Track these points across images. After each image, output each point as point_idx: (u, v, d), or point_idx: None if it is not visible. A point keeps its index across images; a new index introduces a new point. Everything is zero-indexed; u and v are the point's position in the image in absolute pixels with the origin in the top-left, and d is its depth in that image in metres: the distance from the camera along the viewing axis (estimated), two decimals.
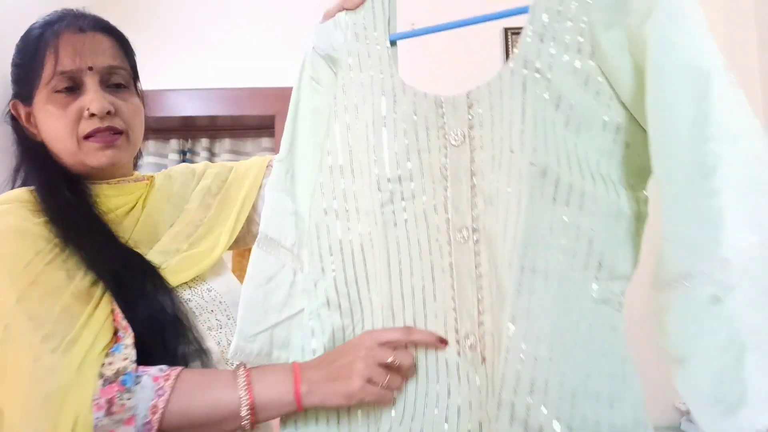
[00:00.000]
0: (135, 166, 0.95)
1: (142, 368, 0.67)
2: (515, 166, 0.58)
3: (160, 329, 0.72)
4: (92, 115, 0.78)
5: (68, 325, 0.66)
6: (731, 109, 0.54)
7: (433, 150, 0.68)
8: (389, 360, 0.66)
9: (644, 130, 0.59)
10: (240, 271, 1.09)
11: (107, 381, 0.64)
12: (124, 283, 0.72)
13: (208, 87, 2.33)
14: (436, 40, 2.42)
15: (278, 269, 0.75)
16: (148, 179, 0.92)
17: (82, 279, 0.71)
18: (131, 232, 0.82)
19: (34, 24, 0.83)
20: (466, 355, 0.65)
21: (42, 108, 0.80)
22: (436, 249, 0.67)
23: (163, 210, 0.88)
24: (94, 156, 0.80)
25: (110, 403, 0.62)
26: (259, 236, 0.77)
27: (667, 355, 0.58)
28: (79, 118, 0.79)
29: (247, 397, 0.66)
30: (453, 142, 0.66)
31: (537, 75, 0.59)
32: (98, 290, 0.71)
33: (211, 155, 2.94)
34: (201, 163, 1.03)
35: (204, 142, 2.90)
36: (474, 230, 0.64)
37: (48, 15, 0.83)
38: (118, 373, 0.65)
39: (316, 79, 0.82)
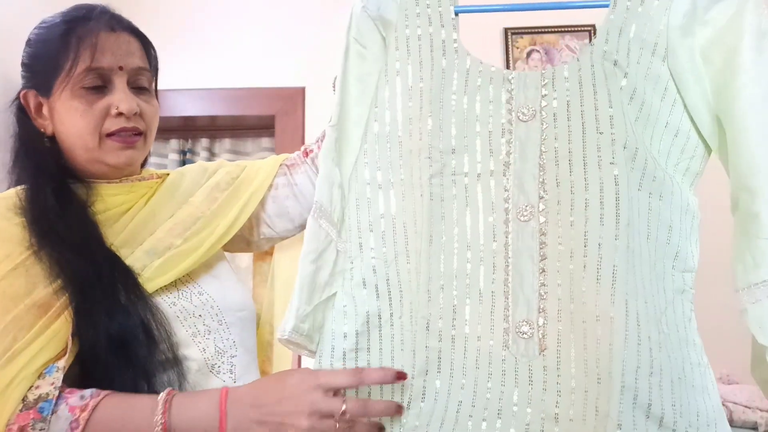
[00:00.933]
0: (144, 164, 0.95)
1: (68, 391, 0.64)
2: (605, 148, 0.58)
3: (126, 341, 0.69)
4: (119, 114, 0.79)
5: (12, 339, 0.64)
6: None
7: (495, 123, 0.64)
8: (339, 412, 0.60)
9: (701, 138, 0.68)
10: (259, 276, 1.05)
11: (26, 406, 0.62)
12: (91, 293, 0.70)
13: (208, 87, 2.33)
14: None
15: (327, 244, 0.70)
16: (159, 177, 0.91)
17: (44, 288, 0.69)
18: (123, 230, 0.80)
19: (53, 17, 0.83)
20: (517, 346, 0.59)
21: (66, 102, 0.79)
22: (489, 228, 0.62)
23: (166, 204, 0.86)
24: (114, 155, 0.81)
25: (22, 430, 0.61)
26: (313, 206, 0.72)
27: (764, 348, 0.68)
28: (105, 115, 0.79)
29: (162, 428, 0.62)
30: (521, 117, 0.63)
31: (616, 68, 0.62)
32: (60, 302, 0.69)
33: (211, 155, 2.93)
34: (216, 162, 1.02)
35: (204, 142, 2.90)
36: (541, 210, 0.61)
37: (71, 9, 0.82)
38: (38, 400, 0.62)
39: (361, 43, 0.76)
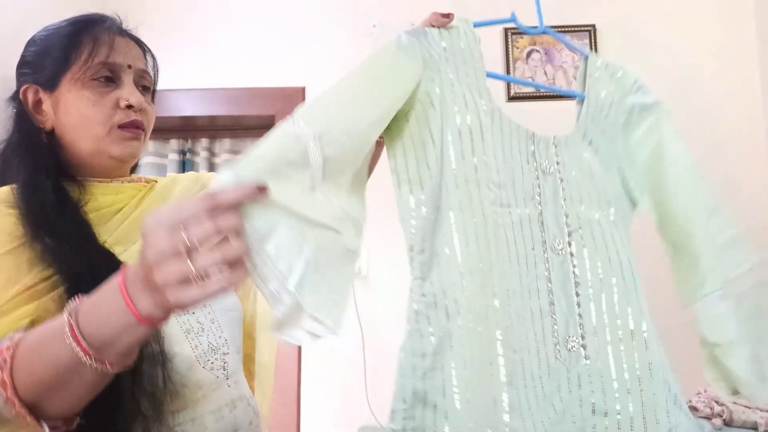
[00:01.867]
0: (133, 170, 0.97)
1: (15, 334, 0.63)
2: (602, 197, 0.79)
3: None
4: (129, 106, 0.84)
5: None
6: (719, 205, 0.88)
7: (525, 171, 0.77)
8: (181, 248, 0.50)
9: (632, 203, 0.89)
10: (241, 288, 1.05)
11: None
12: (84, 284, 0.68)
13: (208, 87, 2.33)
14: None
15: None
16: (148, 182, 0.93)
17: (30, 272, 0.71)
18: (115, 230, 0.82)
19: (59, 22, 0.89)
20: (565, 357, 0.71)
21: (76, 92, 0.82)
22: (532, 258, 0.73)
23: (156, 209, 0.87)
24: (120, 145, 0.84)
25: None
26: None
27: (714, 345, 0.88)
28: (114, 107, 0.84)
29: (70, 333, 0.55)
30: (544, 170, 0.78)
31: (591, 146, 0.83)
32: (46, 284, 0.71)
33: (211, 155, 2.93)
34: (210, 173, 1.06)
35: (204, 142, 2.90)
36: (569, 244, 0.75)
37: (81, 15, 0.90)
38: None
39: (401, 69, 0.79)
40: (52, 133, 0.84)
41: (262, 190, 0.54)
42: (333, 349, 2.17)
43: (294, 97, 2.33)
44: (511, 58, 2.31)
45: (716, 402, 1.95)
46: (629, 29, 2.34)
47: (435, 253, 0.70)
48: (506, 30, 2.31)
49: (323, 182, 0.64)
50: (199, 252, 0.49)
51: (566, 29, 2.33)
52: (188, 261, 0.49)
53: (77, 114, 0.82)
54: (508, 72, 2.31)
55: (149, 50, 0.94)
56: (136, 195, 0.88)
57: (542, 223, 0.75)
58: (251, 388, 0.96)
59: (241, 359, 0.90)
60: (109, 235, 0.80)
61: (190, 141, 2.87)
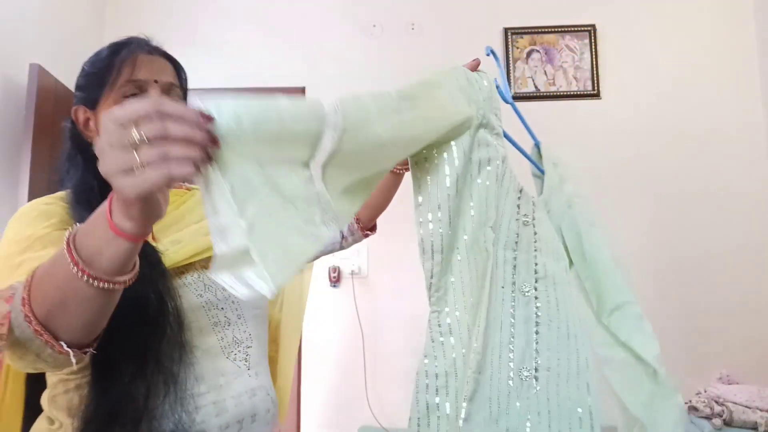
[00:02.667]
0: None
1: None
2: (559, 255, 0.90)
3: (141, 310, 0.75)
4: None
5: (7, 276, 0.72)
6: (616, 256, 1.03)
7: (512, 220, 0.87)
8: (130, 141, 0.51)
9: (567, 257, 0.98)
10: None
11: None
12: None
13: (208, 87, 2.33)
14: (437, 40, 2.43)
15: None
16: (188, 189, 1.00)
17: None
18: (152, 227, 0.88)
19: (104, 47, 0.95)
20: (517, 384, 0.82)
21: (109, 109, 0.88)
22: (502, 295, 0.84)
23: (194, 211, 0.95)
24: None
25: (9, 286, 0.66)
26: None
27: (619, 353, 1.04)
28: None
29: (69, 257, 0.59)
30: (525, 222, 0.89)
31: (549, 214, 0.95)
32: None
33: None
34: None
35: None
36: (535, 288, 0.87)
37: (119, 40, 0.96)
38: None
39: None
40: None
41: (207, 119, 0.54)
42: (333, 350, 2.18)
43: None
44: (511, 58, 2.31)
45: (716, 402, 1.96)
46: (629, 29, 2.34)
47: (446, 289, 0.82)
48: (506, 30, 2.31)
49: (321, 168, 0.65)
50: (146, 146, 0.51)
51: (566, 29, 2.33)
52: (133, 152, 0.51)
53: None
54: (508, 72, 2.31)
55: (177, 63, 0.99)
56: (176, 201, 0.95)
57: (515, 267, 0.87)
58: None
59: (264, 353, 0.97)
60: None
61: None
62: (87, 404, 0.74)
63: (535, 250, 0.89)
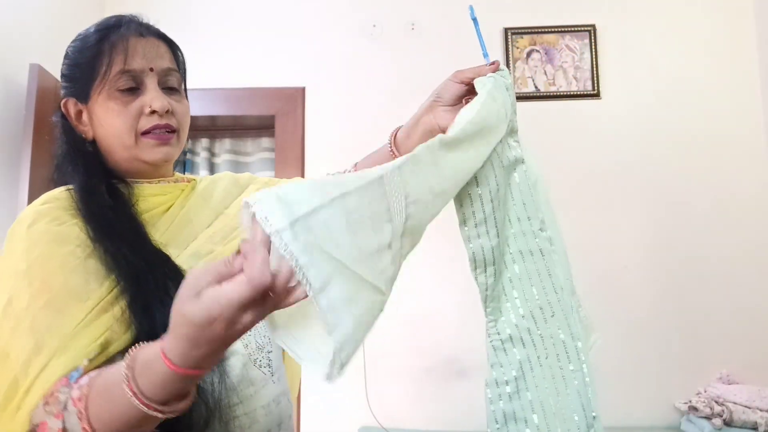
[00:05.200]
0: (175, 167, 0.99)
1: (91, 373, 0.66)
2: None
3: None
4: (153, 112, 0.84)
5: (61, 332, 0.69)
6: None
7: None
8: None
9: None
10: None
11: (64, 376, 0.67)
12: (146, 287, 0.75)
13: (208, 87, 2.33)
14: (437, 40, 2.42)
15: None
16: (189, 181, 0.96)
17: (99, 284, 0.74)
18: (165, 231, 0.85)
19: (87, 30, 0.89)
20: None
21: (102, 104, 0.84)
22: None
23: (201, 212, 0.91)
24: (150, 152, 0.85)
25: (51, 395, 0.65)
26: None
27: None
28: (139, 114, 0.84)
29: (137, 401, 0.59)
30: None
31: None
32: (112, 295, 0.74)
33: (211, 155, 2.94)
34: (245, 174, 1.08)
35: (204, 142, 2.90)
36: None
37: (103, 20, 0.89)
38: (72, 370, 0.68)
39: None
40: (94, 142, 0.87)
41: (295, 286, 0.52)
42: None
43: (294, 97, 2.33)
44: (511, 58, 2.31)
45: (716, 402, 1.95)
46: (629, 29, 2.34)
47: (500, 298, 0.82)
48: (506, 30, 2.31)
49: (401, 238, 0.64)
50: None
51: (566, 29, 2.33)
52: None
53: (107, 125, 0.85)
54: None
55: (174, 44, 0.92)
56: (180, 195, 0.91)
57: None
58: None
59: (281, 356, 0.94)
60: (160, 235, 0.84)
61: (190, 141, 2.87)
62: None
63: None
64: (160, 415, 0.60)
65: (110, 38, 0.84)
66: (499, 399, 0.78)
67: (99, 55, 0.83)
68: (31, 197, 1.75)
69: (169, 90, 0.88)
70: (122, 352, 0.72)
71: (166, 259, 0.80)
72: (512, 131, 0.85)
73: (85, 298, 0.73)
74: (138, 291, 0.74)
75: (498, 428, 0.77)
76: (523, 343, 0.79)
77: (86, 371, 0.68)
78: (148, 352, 0.60)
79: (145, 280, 0.75)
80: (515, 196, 0.83)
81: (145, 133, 0.84)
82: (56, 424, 0.64)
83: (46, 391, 0.66)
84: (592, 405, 0.78)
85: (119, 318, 0.73)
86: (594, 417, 0.77)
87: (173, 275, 0.78)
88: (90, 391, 0.64)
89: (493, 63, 0.87)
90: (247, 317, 0.51)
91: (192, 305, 0.51)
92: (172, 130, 0.87)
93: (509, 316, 0.80)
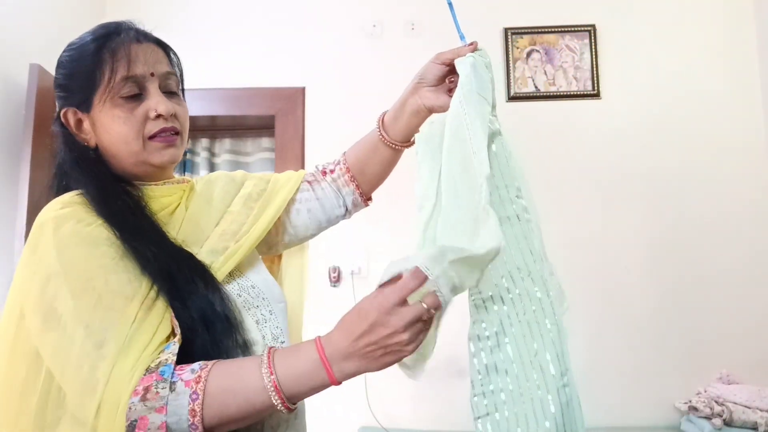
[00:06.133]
0: (174, 169, 1.01)
1: (178, 369, 0.71)
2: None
3: (211, 326, 0.78)
4: (158, 116, 0.86)
5: (120, 331, 0.72)
6: None
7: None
8: (426, 317, 0.69)
9: None
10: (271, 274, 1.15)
11: (149, 371, 0.70)
12: (177, 283, 0.78)
13: (208, 87, 2.33)
14: (437, 40, 2.42)
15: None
16: (187, 182, 0.98)
17: (139, 283, 0.77)
18: (178, 230, 0.88)
19: (82, 38, 0.89)
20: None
21: (107, 112, 0.85)
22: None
23: (205, 212, 0.94)
24: (158, 155, 0.87)
25: (146, 390, 0.68)
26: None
27: None
28: (145, 120, 0.86)
29: (274, 391, 0.70)
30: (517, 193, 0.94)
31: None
32: (153, 292, 0.77)
33: (211, 155, 2.94)
34: (238, 172, 1.10)
35: (204, 142, 2.90)
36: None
37: (98, 28, 0.90)
38: (159, 365, 0.70)
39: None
40: (97, 149, 0.89)
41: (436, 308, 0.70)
42: None
43: (294, 97, 2.33)
44: (511, 58, 2.31)
45: (716, 402, 1.95)
46: (629, 29, 2.34)
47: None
48: (506, 30, 2.31)
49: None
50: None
51: (566, 29, 2.33)
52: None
53: (113, 133, 0.86)
54: (508, 72, 2.31)
55: (169, 48, 0.94)
56: (183, 195, 0.94)
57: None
58: None
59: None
60: (175, 234, 0.86)
61: (190, 141, 2.87)
62: None
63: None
64: (282, 408, 0.70)
65: (110, 46, 0.85)
66: (481, 351, 0.83)
67: (99, 64, 0.84)
68: (31, 197, 1.75)
69: (169, 94, 0.89)
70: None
71: (190, 256, 0.83)
72: (492, 106, 0.89)
73: (131, 296, 0.75)
74: (173, 287, 0.77)
75: (481, 379, 0.81)
76: (503, 301, 0.83)
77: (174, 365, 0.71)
78: (291, 347, 0.73)
79: (175, 277, 0.78)
80: (493, 165, 0.86)
81: (152, 137, 0.86)
82: (158, 419, 0.67)
83: (132, 386, 0.68)
84: (566, 357, 0.82)
85: (166, 312, 0.76)
86: (566, 369, 0.81)
87: (199, 270, 0.81)
88: (210, 378, 0.70)
89: (471, 44, 0.90)
90: (409, 332, 0.69)
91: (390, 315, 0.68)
92: (177, 132, 0.89)
93: (489, 276, 0.84)
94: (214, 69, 2.35)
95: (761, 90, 2.27)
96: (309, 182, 1.09)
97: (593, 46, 2.31)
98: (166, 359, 0.71)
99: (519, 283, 0.83)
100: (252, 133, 2.89)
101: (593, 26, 2.32)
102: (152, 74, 0.87)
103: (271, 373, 0.70)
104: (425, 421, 2.16)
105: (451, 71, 0.93)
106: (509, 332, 0.82)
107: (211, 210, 0.95)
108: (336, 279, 2.21)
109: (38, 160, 1.77)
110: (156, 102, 0.86)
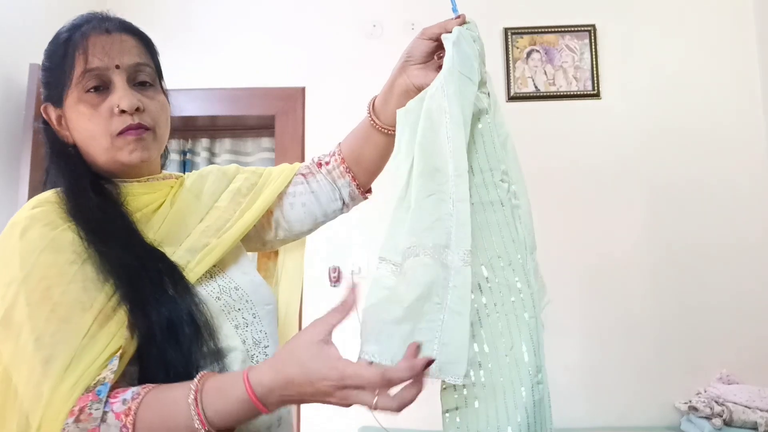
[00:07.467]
0: (163, 166, 0.97)
1: (112, 396, 0.67)
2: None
3: (177, 333, 0.73)
4: (122, 111, 0.81)
5: (70, 345, 0.69)
6: None
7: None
8: (372, 406, 0.70)
9: None
10: (264, 272, 1.12)
11: (88, 390, 0.67)
12: (142, 287, 0.74)
13: (208, 87, 2.33)
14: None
15: None
16: (177, 178, 0.95)
17: (98, 292, 0.73)
18: (158, 229, 0.84)
19: (61, 28, 0.86)
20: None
21: (74, 108, 0.82)
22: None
23: (192, 207, 0.90)
24: (126, 153, 0.82)
25: (81, 411, 0.65)
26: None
27: None
28: (110, 115, 0.81)
29: (200, 423, 0.66)
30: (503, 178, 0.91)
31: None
32: (112, 301, 0.73)
33: (211, 155, 2.94)
34: (231, 166, 1.06)
35: (204, 142, 2.90)
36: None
37: (74, 19, 0.86)
38: (97, 384, 0.67)
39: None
40: (76, 145, 0.85)
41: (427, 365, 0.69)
42: None
43: (294, 97, 2.33)
44: (511, 58, 2.31)
45: (716, 402, 1.95)
46: (629, 29, 2.34)
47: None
48: (506, 30, 2.31)
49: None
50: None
51: (566, 29, 2.33)
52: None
53: (81, 129, 0.83)
54: (508, 72, 2.31)
55: (142, 36, 0.88)
56: (169, 192, 0.89)
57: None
58: None
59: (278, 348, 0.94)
60: (154, 234, 0.82)
61: (190, 141, 2.87)
62: None
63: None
64: None
65: (73, 39, 0.81)
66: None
67: (65, 58, 0.81)
68: (31, 197, 1.75)
69: (140, 86, 0.84)
70: (133, 359, 0.72)
71: (160, 256, 0.78)
72: (482, 82, 0.83)
73: (88, 306, 0.71)
74: (133, 291, 0.73)
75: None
76: (481, 290, 0.79)
77: (112, 384, 0.67)
78: (221, 378, 0.68)
79: (138, 278, 0.74)
80: (479, 146, 0.81)
81: (120, 134, 0.81)
82: None
83: (69, 407, 0.65)
84: (542, 353, 0.79)
85: (125, 322, 0.72)
86: (541, 366, 0.78)
87: (169, 272, 0.77)
88: (139, 407, 0.66)
89: (458, 17, 0.85)
90: (360, 396, 0.69)
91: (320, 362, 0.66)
92: (146, 128, 0.84)
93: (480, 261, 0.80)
94: (214, 69, 2.35)
95: (761, 90, 2.27)
96: (303, 175, 1.04)
97: (593, 46, 2.31)
98: (104, 378, 0.67)
99: (499, 272, 0.79)
100: (252, 133, 2.89)
101: (593, 26, 2.32)
102: (117, 66, 0.81)
103: (200, 415, 0.65)
104: (425, 421, 2.16)
105: (440, 47, 0.86)
106: (485, 323, 0.78)
107: (198, 205, 0.91)
108: (336, 279, 2.21)
109: (38, 160, 1.77)
110: (119, 96, 0.80)
